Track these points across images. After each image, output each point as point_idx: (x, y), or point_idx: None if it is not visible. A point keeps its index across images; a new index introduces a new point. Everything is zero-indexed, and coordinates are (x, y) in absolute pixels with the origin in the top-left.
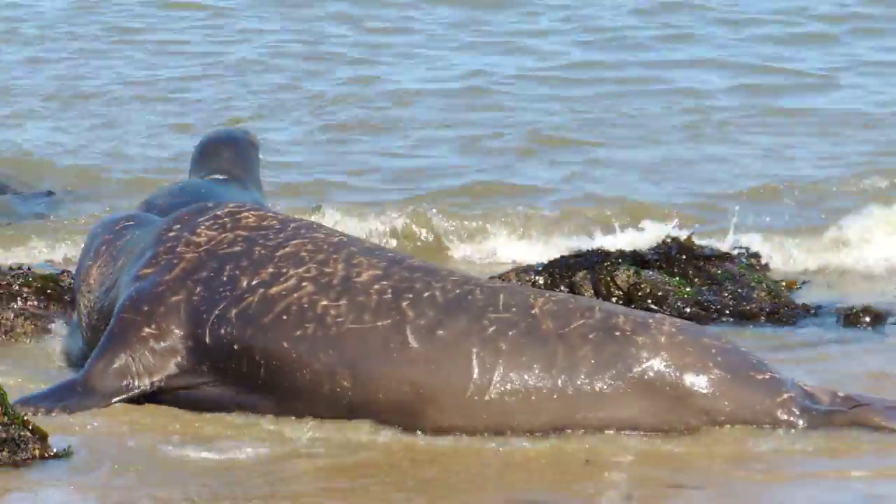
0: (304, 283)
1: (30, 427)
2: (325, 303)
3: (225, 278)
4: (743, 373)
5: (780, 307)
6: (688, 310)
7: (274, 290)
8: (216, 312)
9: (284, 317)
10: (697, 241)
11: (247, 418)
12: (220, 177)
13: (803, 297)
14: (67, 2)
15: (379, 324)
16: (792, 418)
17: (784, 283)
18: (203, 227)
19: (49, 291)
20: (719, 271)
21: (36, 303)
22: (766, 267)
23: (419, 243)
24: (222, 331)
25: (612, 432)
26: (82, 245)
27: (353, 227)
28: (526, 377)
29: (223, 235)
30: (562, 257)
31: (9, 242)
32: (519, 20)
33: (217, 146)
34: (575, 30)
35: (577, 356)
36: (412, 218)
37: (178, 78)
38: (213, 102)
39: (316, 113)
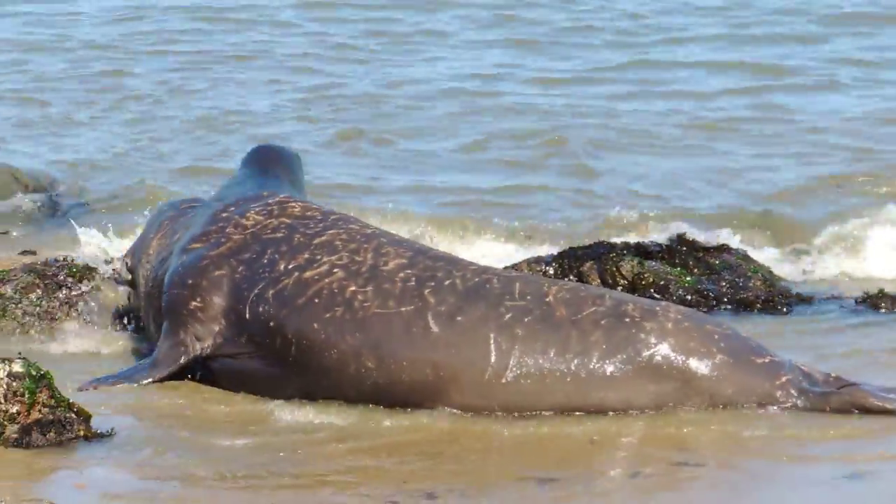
0: (335, 270)
1: (75, 409)
2: (353, 288)
3: (265, 261)
4: (744, 357)
5: (774, 295)
6: (688, 298)
7: (308, 274)
8: (256, 291)
9: (316, 300)
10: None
11: (277, 404)
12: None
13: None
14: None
15: (403, 309)
16: (790, 400)
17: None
18: (252, 212)
19: (89, 280)
20: (717, 262)
21: (78, 290)
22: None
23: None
24: (260, 308)
25: (618, 413)
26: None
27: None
28: (541, 360)
29: (269, 221)
30: (570, 249)
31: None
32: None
33: (267, 154)
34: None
35: (589, 341)
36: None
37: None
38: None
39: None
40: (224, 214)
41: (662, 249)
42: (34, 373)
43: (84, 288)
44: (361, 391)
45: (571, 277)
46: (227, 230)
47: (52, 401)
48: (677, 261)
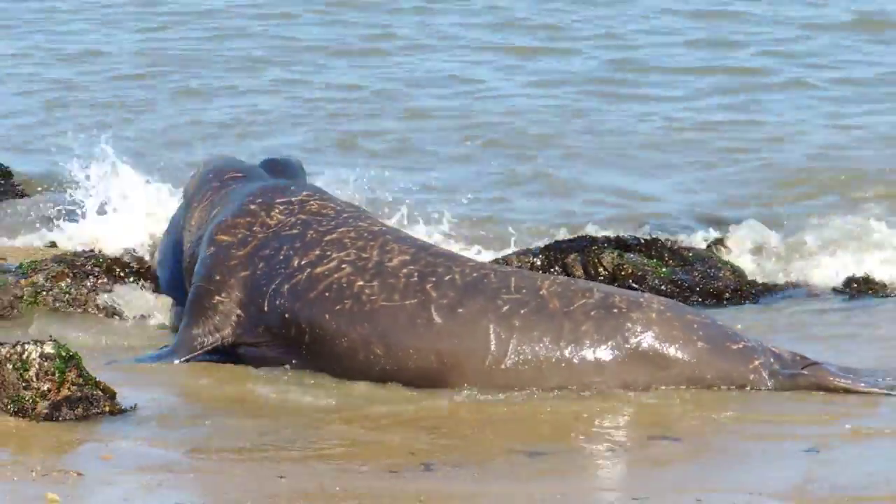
0: (343, 266)
1: (101, 387)
2: (360, 283)
3: (281, 257)
4: (720, 343)
5: (742, 285)
6: (663, 287)
7: (319, 270)
8: (273, 286)
9: (327, 293)
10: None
11: (286, 388)
12: None
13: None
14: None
15: (407, 302)
16: (762, 382)
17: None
18: (276, 211)
19: (117, 270)
20: (690, 254)
21: (105, 280)
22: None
23: None
24: (276, 301)
25: (603, 394)
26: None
27: None
28: (537, 348)
29: (289, 219)
30: (556, 242)
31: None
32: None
33: (276, 163)
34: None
35: (580, 330)
36: None
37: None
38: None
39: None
40: (252, 207)
41: (640, 243)
42: (64, 354)
43: (107, 279)
44: (370, 377)
45: (557, 268)
46: (255, 228)
47: (80, 379)
48: (653, 253)
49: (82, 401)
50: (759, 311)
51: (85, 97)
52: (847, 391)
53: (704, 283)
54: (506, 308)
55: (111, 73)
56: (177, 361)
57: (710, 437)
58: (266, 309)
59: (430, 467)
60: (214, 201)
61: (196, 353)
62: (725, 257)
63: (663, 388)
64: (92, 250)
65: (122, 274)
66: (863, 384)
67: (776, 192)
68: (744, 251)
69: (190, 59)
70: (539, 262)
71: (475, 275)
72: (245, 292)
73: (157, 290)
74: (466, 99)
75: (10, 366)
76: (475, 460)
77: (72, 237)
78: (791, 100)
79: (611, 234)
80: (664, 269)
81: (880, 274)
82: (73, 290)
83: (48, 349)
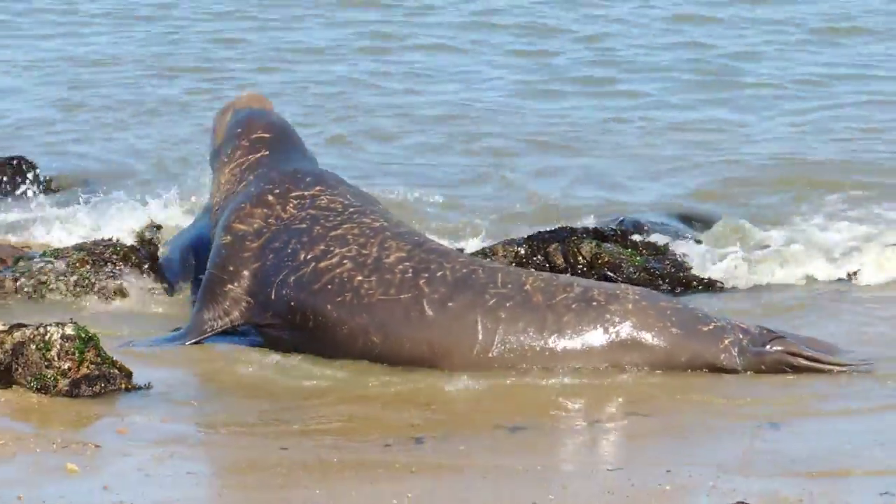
0: (344, 261)
1: (118, 366)
2: (360, 278)
3: (289, 250)
4: (692, 326)
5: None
6: (637, 275)
7: (322, 264)
8: (280, 277)
9: (329, 286)
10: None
11: (288, 370)
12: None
13: None
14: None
15: (402, 296)
16: (732, 362)
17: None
18: (291, 205)
19: (133, 258)
20: (663, 244)
21: (122, 267)
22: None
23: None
24: (283, 291)
25: (581, 375)
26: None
27: None
28: (521, 338)
29: (300, 213)
30: (538, 232)
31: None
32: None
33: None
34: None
35: (562, 322)
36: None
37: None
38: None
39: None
40: (269, 198)
41: (616, 233)
42: (83, 335)
43: (125, 266)
44: (368, 361)
45: (539, 257)
46: (270, 220)
47: (99, 358)
48: (628, 243)
49: (100, 379)
50: (728, 299)
51: (101, 99)
52: (811, 370)
53: (675, 271)
54: (493, 302)
55: (127, 74)
56: (188, 343)
57: (680, 414)
58: (273, 297)
59: (421, 441)
60: (244, 168)
61: (206, 335)
62: (696, 250)
63: (637, 370)
64: (110, 239)
65: (137, 261)
66: (826, 361)
67: (743, 189)
68: (717, 244)
69: (202, 59)
70: (523, 251)
71: (464, 271)
72: (255, 282)
73: (169, 277)
74: (448, 95)
75: (33, 346)
76: (462, 435)
77: (96, 228)
78: (762, 99)
79: (589, 225)
80: (638, 258)
81: (842, 269)
82: (92, 275)
83: (69, 330)
